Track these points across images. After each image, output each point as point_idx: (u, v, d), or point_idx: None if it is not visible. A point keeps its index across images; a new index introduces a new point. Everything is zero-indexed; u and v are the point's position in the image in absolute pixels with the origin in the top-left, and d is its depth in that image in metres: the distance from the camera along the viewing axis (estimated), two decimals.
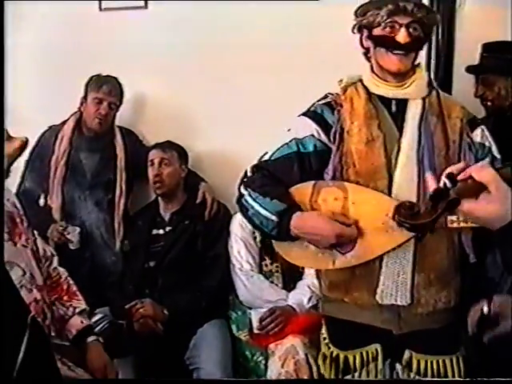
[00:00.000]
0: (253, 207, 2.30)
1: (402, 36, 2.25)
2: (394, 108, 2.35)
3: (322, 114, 2.38)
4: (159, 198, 3.58)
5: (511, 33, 2.98)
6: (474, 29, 3.32)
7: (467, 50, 3.29)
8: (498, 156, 2.36)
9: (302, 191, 2.32)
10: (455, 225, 2.19)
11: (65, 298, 2.18)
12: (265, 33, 3.59)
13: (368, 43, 2.36)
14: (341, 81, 2.43)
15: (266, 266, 3.36)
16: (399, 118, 2.34)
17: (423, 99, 2.36)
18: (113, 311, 3.39)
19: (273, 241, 2.47)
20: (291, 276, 3.29)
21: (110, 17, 3.84)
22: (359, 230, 2.24)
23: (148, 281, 3.45)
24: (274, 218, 2.26)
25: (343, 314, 2.39)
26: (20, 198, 3.63)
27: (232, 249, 3.40)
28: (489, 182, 1.29)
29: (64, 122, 3.73)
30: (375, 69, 2.38)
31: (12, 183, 3.59)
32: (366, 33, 2.35)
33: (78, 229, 3.59)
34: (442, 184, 1.37)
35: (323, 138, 2.35)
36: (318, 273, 2.51)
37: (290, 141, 2.37)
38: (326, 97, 2.43)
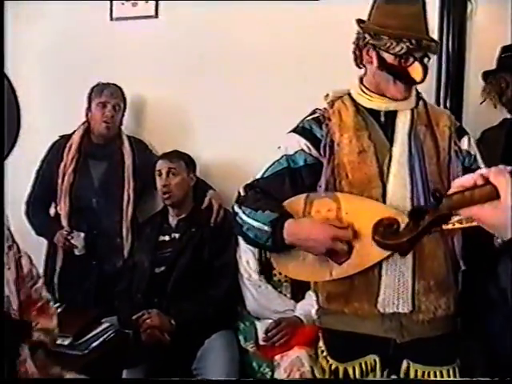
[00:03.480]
0: (247, 222, 2.29)
1: (419, 73, 2.25)
2: (382, 119, 2.35)
3: (311, 129, 2.37)
4: (168, 207, 3.56)
5: (511, 33, 2.94)
6: (485, 35, 3.27)
7: (479, 57, 3.27)
8: (482, 166, 2.34)
9: (294, 205, 2.30)
10: (450, 226, 2.15)
11: (33, 313, 2.11)
12: (271, 39, 3.59)
13: (371, 60, 2.33)
14: (327, 95, 2.42)
15: (275, 275, 3.33)
16: (389, 129, 2.33)
17: (412, 110, 2.36)
18: (120, 321, 3.37)
19: (270, 255, 2.45)
20: (300, 286, 3.23)
21: (119, 27, 3.83)
22: (356, 233, 2.20)
23: (156, 288, 3.43)
24: (266, 228, 2.23)
25: (343, 326, 2.35)
26: (30, 207, 3.70)
27: (240, 259, 3.38)
28: (502, 188, 1.22)
29: (74, 132, 3.75)
30: (368, 83, 2.37)
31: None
32: (371, 51, 2.31)
33: (82, 234, 3.60)
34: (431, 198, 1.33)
35: (313, 152, 2.34)
36: (315, 285, 2.46)
37: (281, 158, 2.37)
38: (313, 112, 2.41)
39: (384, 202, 2.25)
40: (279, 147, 2.40)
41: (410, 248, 1.62)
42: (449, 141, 2.36)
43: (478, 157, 2.39)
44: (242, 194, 2.39)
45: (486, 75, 3.08)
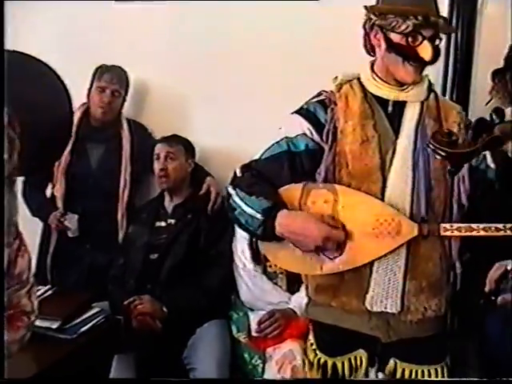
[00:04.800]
0: (239, 206, 2.22)
1: (427, 53, 2.15)
2: (390, 109, 2.25)
3: (315, 112, 2.28)
4: (164, 192, 3.52)
5: (511, 33, 2.89)
6: (495, 31, 3.21)
7: (487, 55, 3.20)
8: (492, 165, 2.25)
9: (291, 192, 2.23)
10: (448, 233, 2.12)
11: None
12: (270, 27, 3.54)
13: (379, 43, 2.24)
14: (336, 78, 2.32)
15: (271, 266, 3.29)
16: (395, 120, 2.25)
17: (421, 102, 2.27)
18: (112, 306, 3.34)
19: (259, 243, 2.38)
20: (295, 278, 3.15)
21: (122, 10, 3.78)
22: (347, 234, 2.16)
23: (150, 275, 3.39)
24: (258, 216, 2.17)
25: (330, 319, 2.31)
26: (27, 187, 3.66)
27: (236, 248, 3.34)
28: None
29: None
30: (378, 68, 2.28)
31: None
32: (379, 33, 2.22)
33: (76, 216, 3.57)
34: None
35: (315, 137, 2.26)
36: (305, 275, 2.41)
37: (281, 139, 2.28)
38: (319, 94, 2.33)
39: (383, 196, 2.18)
40: (280, 128, 2.32)
41: (464, 162, 1.57)
42: None
43: (488, 155, 2.26)
44: (238, 174, 2.31)
45: (495, 74, 3.01)
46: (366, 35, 2.27)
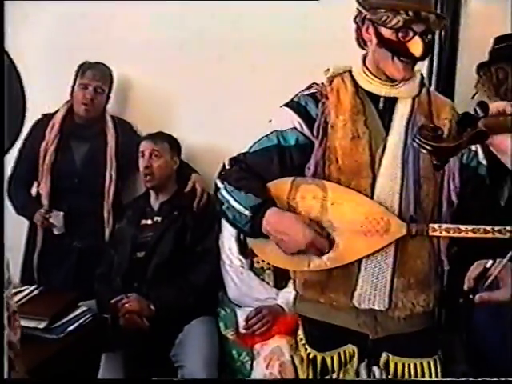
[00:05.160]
0: (228, 201, 2.20)
1: (418, 48, 2.11)
2: (381, 105, 2.23)
3: (306, 105, 2.25)
4: (150, 190, 3.51)
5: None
6: (479, 27, 3.22)
7: (471, 50, 3.21)
8: (484, 162, 2.25)
9: (279, 187, 2.21)
10: (437, 233, 2.11)
11: None
12: (259, 25, 3.53)
13: (370, 37, 2.20)
14: (327, 70, 2.30)
15: (258, 262, 3.28)
16: (386, 116, 2.22)
17: (413, 98, 2.24)
18: (99, 304, 3.33)
19: (247, 238, 2.37)
20: (283, 274, 3.15)
21: (106, 6, 3.76)
22: (332, 244, 2.14)
23: (136, 273, 3.38)
24: (247, 212, 2.15)
25: (318, 315, 2.31)
26: (12, 186, 3.63)
27: (223, 244, 3.33)
28: None
29: (57, 111, 3.68)
30: (369, 63, 2.25)
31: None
32: (370, 27, 2.19)
33: (61, 213, 3.56)
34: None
35: (306, 131, 2.23)
36: (293, 270, 2.39)
37: (271, 133, 2.26)
38: (310, 87, 2.30)
39: (372, 193, 2.17)
40: (270, 121, 2.30)
41: (450, 156, 1.57)
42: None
43: (480, 152, 2.26)
44: (227, 166, 2.29)
45: (480, 68, 3.01)
46: (358, 29, 2.24)
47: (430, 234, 2.11)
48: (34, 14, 3.90)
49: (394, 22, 2.10)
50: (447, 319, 2.95)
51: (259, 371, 2.93)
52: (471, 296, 1.75)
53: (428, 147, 1.57)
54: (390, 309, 2.22)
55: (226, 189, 2.22)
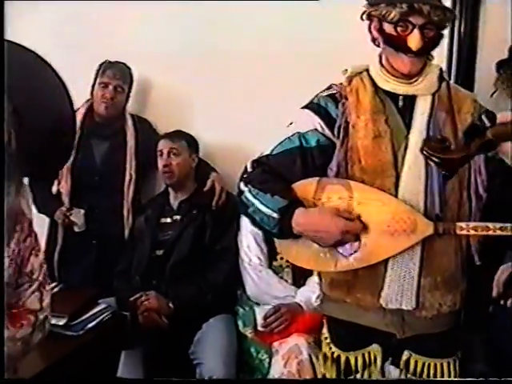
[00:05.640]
0: (253, 204, 2.19)
1: (414, 42, 2.09)
2: (401, 103, 2.21)
3: (326, 107, 2.24)
4: (169, 188, 3.53)
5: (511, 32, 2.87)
6: (499, 24, 3.18)
7: (491, 47, 3.18)
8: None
9: (305, 188, 2.20)
10: (464, 232, 2.09)
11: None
12: (275, 24, 3.53)
13: (377, 35, 2.20)
14: (345, 70, 2.28)
15: (276, 260, 3.28)
16: (407, 114, 2.20)
17: (432, 94, 2.22)
18: (118, 302, 3.35)
19: (275, 239, 2.36)
20: (301, 272, 3.16)
21: (127, 5, 3.78)
22: (364, 225, 2.12)
23: (155, 271, 3.39)
24: (275, 215, 2.14)
25: (344, 315, 2.29)
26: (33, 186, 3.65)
27: (241, 243, 3.34)
28: None
29: (77, 109, 3.69)
30: (384, 61, 2.23)
31: None
32: (376, 23, 2.18)
33: (82, 211, 3.58)
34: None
35: (327, 132, 2.23)
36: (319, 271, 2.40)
37: (292, 135, 2.25)
38: (329, 88, 2.29)
39: (396, 192, 2.15)
40: (291, 123, 2.29)
41: (458, 167, 1.56)
42: None
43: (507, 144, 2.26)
44: (249, 169, 2.28)
45: (500, 65, 2.99)
46: (369, 27, 2.22)
47: (458, 232, 2.09)
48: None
49: (391, 15, 2.10)
50: (468, 319, 2.92)
51: (277, 369, 2.93)
52: (502, 302, 1.73)
53: (436, 159, 1.57)
54: (418, 309, 2.20)
55: (250, 192, 2.21)
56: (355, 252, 2.14)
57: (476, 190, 2.18)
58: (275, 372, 2.94)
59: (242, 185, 2.25)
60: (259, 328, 3.14)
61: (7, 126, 1.77)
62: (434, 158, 1.57)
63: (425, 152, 1.59)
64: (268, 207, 2.16)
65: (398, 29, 2.11)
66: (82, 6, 3.75)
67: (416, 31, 2.09)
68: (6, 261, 1.85)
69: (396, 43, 2.13)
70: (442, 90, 2.24)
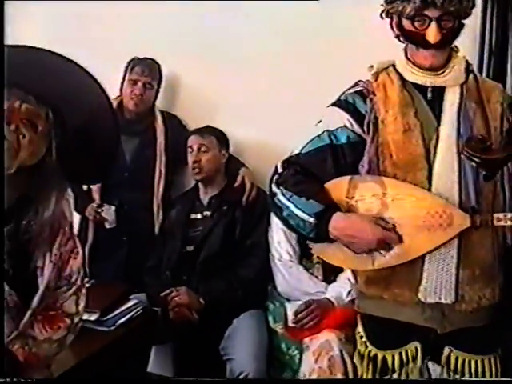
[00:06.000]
0: (288, 207, 2.19)
1: (432, 35, 2.09)
2: (429, 95, 2.20)
3: (354, 103, 2.24)
4: (199, 183, 3.53)
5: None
6: None
7: None
8: None
9: (337, 187, 2.20)
10: (502, 223, 2.08)
11: (39, 317, 1.95)
12: (305, 20, 3.51)
13: (398, 32, 2.19)
14: (371, 67, 2.28)
15: (309, 258, 3.28)
16: (436, 106, 2.19)
17: (461, 85, 2.20)
18: (149, 297, 3.36)
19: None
20: (332, 268, 3.13)
21: (156, 3, 3.79)
22: (400, 236, 2.13)
23: (186, 267, 3.41)
24: (311, 220, 2.15)
25: (382, 312, 2.27)
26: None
27: (272, 239, 3.33)
28: None
29: None
30: (410, 55, 2.23)
31: None
32: (395, 19, 2.18)
33: (113, 207, 3.59)
34: None
35: (356, 128, 2.22)
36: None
37: (322, 133, 2.25)
38: (356, 84, 2.29)
39: (430, 185, 2.13)
40: (320, 121, 2.29)
41: (500, 167, 1.53)
42: (500, 119, 2.20)
43: None
44: (280, 170, 2.28)
45: None
46: (390, 25, 2.21)
47: (495, 223, 2.08)
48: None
49: (407, 10, 2.09)
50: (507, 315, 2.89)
51: (308, 365, 2.92)
52: None
53: (477, 159, 1.54)
54: (457, 302, 2.18)
55: (283, 194, 2.21)
56: (391, 249, 2.14)
57: (509, 180, 2.16)
58: (306, 368, 2.93)
59: (274, 187, 2.25)
60: (290, 324, 3.12)
61: (45, 137, 1.80)
62: (474, 159, 1.54)
63: (465, 152, 1.56)
64: (303, 211, 2.16)
65: (416, 24, 2.11)
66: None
67: (433, 24, 2.08)
68: (50, 266, 1.88)
69: (415, 39, 2.14)
70: (470, 81, 2.23)
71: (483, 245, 2.18)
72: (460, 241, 2.15)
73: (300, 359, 3.03)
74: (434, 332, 2.24)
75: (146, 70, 3.63)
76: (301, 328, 3.07)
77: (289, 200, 2.19)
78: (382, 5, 2.19)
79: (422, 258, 2.17)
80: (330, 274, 3.23)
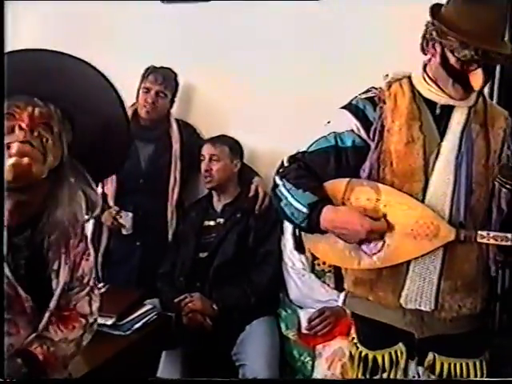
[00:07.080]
0: (286, 198, 2.27)
1: (478, 82, 2.15)
2: (438, 111, 2.26)
3: (364, 109, 2.29)
4: (212, 191, 3.57)
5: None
6: None
7: None
8: None
9: (335, 187, 2.28)
10: (485, 240, 2.16)
11: (53, 318, 1.91)
12: (318, 25, 3.56)
13: (435, 54, 2.22)
14: (386, 75, 2.33)
15: (319, 265, 3.30)
16: (442, 122, 2.26)
17: (469, 107, 2.27)
18: (162, 303, 3.40)
19: (302, 234, 2.44)
20: (343, 277, 3.20)
21: (170, 10, 3.84)
22: (389, 224, 2.20)
23: (199, 273, 3.44)
24: (304, 210, 2.22)
25: (367, 312, 2.36)
26: None
27: (285, 247, 3.37)
28: None
29: None
30: (430, 71, 2.27)
31: None
32: (438, 47, 2.20)
33: (130, 214, 3.61)
34: None
35: (363, 133, 2.28)
36: (345, 269, 2.47)
37: (329, 134, 2.31)
38: (368, 91, 2.34)
39: (424, 197, 2.21)
40: (328, 122, 2.35)
41: None
42: (501, 144, 2.28)
43: None
44: (286, 164, 2.35)
45: None
46: (425, 37, 2.24)
47: (479, 240, 2.16)
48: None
49: (461, 54, 2.12)
50: (503, 322, 2.94)
51: (320, 371, 2.97)
52: None
53: (510, 187, 1.58)
54: (437, 310, 2.26)
55: (284, 186, 2.28)
56: (378, 252, 2.21)
57: (498, 204, 2.23)
58: (318, 374, 2.98)
59: (277, 178, 2.33)
60: (303, 330, 3.17)
61: (60, 137, 1.82)
62: (507, 186, 1.58)
63: (498, 180, 1.61)
64: (299, 202, 2.24)
65: (464, 65, 2.15)
66: (128, 7, 3.82)
67: (480, 71, 2.14)
68: (66, 268, 1.92)
69: (458, 76, 2.18)
70: (479, 104, 2.29)
71: (468, 259, 2.25)
72: (445, 253, 2.22)
73: (312, 365, 3.07)
74: (416, 336, 2.31)
75: (159, 79, 3.66)
76: (314, 335, 3.12)
77: (288, 191, 2.26)
78: (432, 34, 2.20)
79: (407, 265, 2.24)
80: (342, 282, 3.24)
